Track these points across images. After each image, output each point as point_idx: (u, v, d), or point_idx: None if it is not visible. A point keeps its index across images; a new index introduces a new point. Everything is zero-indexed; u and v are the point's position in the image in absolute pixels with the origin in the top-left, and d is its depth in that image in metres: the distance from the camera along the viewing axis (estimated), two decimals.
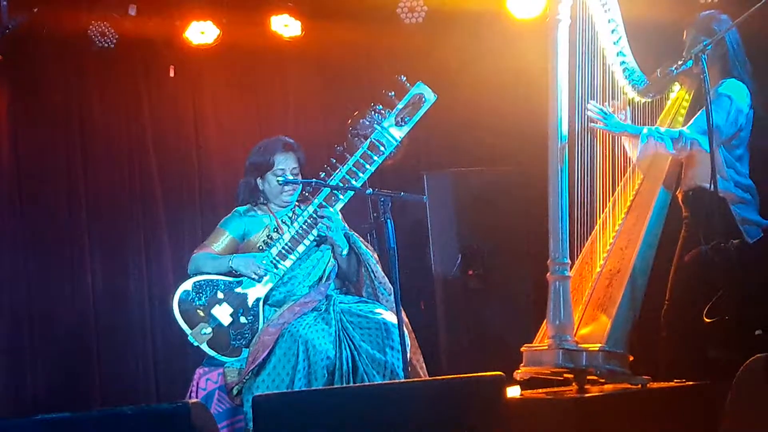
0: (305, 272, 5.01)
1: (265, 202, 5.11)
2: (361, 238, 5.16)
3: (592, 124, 4.88)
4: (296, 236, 4.91)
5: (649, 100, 5.08)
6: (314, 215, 4.89)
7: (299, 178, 5.03)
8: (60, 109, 7.03)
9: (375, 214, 5.92)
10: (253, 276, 4.88)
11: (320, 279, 5.03)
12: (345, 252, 4.97)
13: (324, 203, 4.91)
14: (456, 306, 6.52)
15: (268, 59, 7.19)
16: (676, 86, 5.19)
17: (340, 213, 5.01)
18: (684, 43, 5.03)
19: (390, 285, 4.92)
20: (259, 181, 5.08)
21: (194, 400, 4.65)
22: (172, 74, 7.12)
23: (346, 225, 5.12)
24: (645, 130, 4.88)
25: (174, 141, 7.20)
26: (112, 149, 7.11)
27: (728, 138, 4.90)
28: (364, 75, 7.04)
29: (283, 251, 4.91)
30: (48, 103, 6.99)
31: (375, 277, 5.00)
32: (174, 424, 3.42)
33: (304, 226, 4.91)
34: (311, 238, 4.91)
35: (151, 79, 7.16)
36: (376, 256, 5.10)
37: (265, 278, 4.89)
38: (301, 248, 4.92)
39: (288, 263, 4.91)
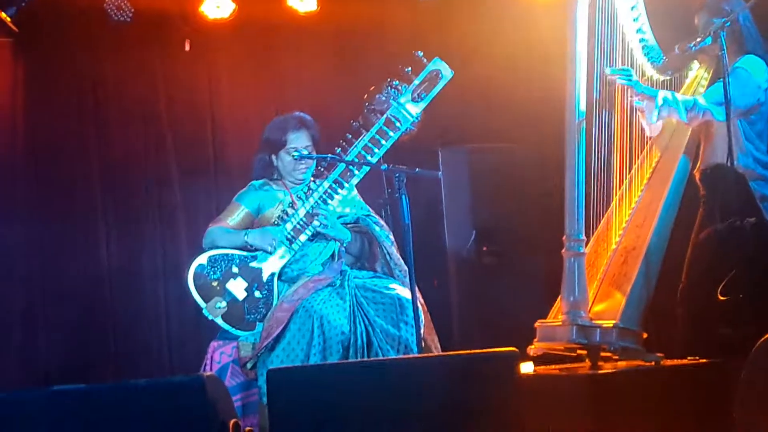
0: (317, 251, 5.01)
1: (279, 177, 5.11)
2: (377, 216, 5.15)
3: (617, 79, 4.83)
4: (311, 211, 4.91)
5: (668, 77, 5.06)
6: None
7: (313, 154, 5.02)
8: (75, 83, 7.01)
9: (389, 190, 5.89)
10: (269, 249, 4.88)
11: (332, 257, 5.04)
12: (346, 242, 4.97)
13: (339, 178, 4.89)
14: (470, 282, 6.52)
15: (284, 34, 7.16)
16: (695, 64, 5.16)
17: (356, 189, 5.01)
18: (697, 28, 5.00)
19: (405, 266, 4.92)
20: (273, 157, 5.07)
21: (208, 372, 4.66)
22: (187, 48, 7.10)
23: (363, 201, 5.13)
24: (661, 94, 4.86)
25: (189, 115, 7.18)
26: (127, 123, 7.10)
27: (746, 111, 4.87)
28: (380, 50, 6.99)
29: (298, 226, 4.91)
30: (63, 77, 6.97)
31: (390, 258, 4.99)
32: (188, 396, 3.43)
33: (319, 201, 4.91)
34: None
35: (166, 54, 7.13)
36: (392, 236, 5.09)
37: (281, 251, 4.90)
38: (315, 223, 4.91)
39: (303, 238, 4.91)
